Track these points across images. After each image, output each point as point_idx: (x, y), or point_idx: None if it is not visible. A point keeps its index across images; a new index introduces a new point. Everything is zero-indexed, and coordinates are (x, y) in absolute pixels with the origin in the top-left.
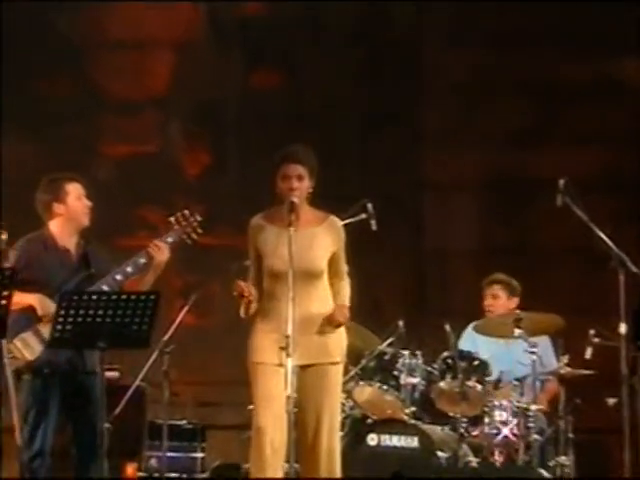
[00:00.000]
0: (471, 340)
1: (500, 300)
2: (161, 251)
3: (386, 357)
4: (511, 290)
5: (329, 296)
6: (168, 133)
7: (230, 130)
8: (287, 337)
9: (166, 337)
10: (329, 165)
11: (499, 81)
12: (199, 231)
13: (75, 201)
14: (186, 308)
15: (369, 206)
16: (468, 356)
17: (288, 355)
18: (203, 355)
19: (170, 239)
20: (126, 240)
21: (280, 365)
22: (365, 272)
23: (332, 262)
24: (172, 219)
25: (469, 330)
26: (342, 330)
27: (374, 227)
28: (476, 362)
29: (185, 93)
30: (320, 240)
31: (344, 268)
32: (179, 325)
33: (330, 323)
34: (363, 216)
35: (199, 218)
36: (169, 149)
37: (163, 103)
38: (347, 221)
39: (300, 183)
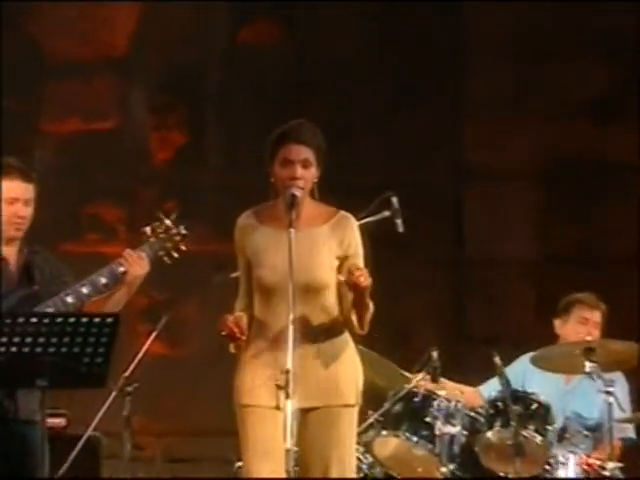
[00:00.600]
0: (527, 376)
1: (597, 329)
2: (137, 263)
3: (416, 399)
4: (604, 316)
5: (339, 319)
6: (130, 105)
7: (211, 101)
8: (286, 372)
9: (127, 373)
10: (341, 147)
11: (564, 38)
12: (182, 248)
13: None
14: (154, 335)
15: (394, 200)
16: (524, 397)
17: (287, 396)
18: (176, 396)
19: (143, 254)
20: (72, 245)
21: (277, 408)
22: (389, 288)
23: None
24: (147, 229)
25: (524, 363)
26: (357, 363)
27: (400, 228)
28: (534, 405)
29: (152, 53)
30: (325, 243)
31: None
32: (145, 357)
33: (351, 284)
34: (386, 214)
35: (184, 231)
36: (131, 126)
37: (123, 66)
38: (365, 220)
39: (305, 171)
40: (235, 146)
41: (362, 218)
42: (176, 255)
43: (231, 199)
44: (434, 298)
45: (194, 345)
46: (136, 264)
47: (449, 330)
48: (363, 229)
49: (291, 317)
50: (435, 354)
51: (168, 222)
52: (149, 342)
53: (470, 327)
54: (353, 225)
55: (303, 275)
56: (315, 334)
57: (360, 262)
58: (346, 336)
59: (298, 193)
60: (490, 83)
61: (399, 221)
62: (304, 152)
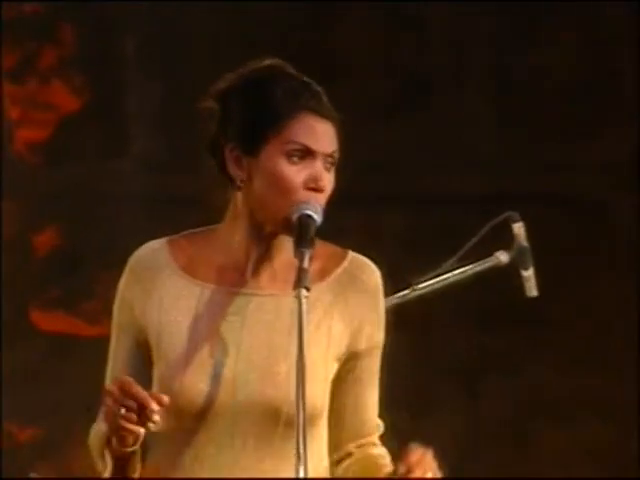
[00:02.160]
0: None
1: None
2: None
3: None
4: None
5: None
6: None
7: (133, 21)
8: None
9: None
10: (406, 124)
11: None
12: None
13: None
14: None
15: (518, 229)
16: None
17: None
18: None
19: None
20: None
21: None
22: (511, 413)
23: (342, 385)
24: None
25: None
26: None
27: (533, 292)
28: None
29: None
30: (320, 322)
31: (375, 410)
32: None
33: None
34: (501, 260)
35: None
36: None
37: None
38: (454, 274)
39: (328, 174)
40: (181, 116)
41: (446, 272)
42: None
43: (172, 219)
44: (601, 426)
45: None
46: None
47: None
48: (449, 290)
49: (301, 473)
50: None
51: None
52: None
53: None
54: (376, 282)
55: (268, 392)
56: None
57: (376, 363)
58: None
59: (319, 217)
60: None
61: (528, 274)
62: (331, 137)
